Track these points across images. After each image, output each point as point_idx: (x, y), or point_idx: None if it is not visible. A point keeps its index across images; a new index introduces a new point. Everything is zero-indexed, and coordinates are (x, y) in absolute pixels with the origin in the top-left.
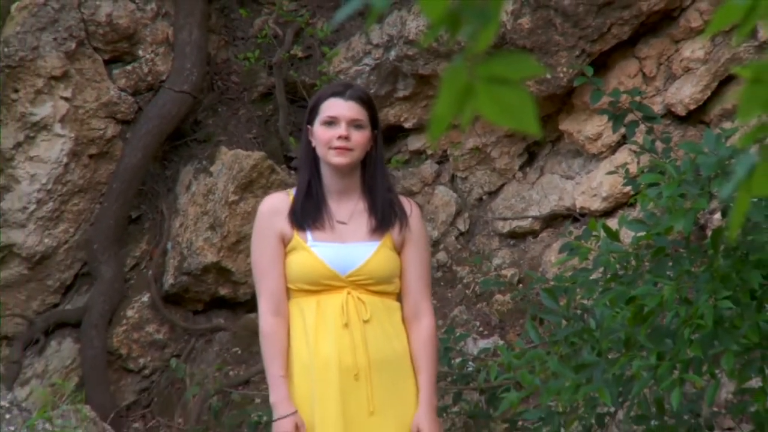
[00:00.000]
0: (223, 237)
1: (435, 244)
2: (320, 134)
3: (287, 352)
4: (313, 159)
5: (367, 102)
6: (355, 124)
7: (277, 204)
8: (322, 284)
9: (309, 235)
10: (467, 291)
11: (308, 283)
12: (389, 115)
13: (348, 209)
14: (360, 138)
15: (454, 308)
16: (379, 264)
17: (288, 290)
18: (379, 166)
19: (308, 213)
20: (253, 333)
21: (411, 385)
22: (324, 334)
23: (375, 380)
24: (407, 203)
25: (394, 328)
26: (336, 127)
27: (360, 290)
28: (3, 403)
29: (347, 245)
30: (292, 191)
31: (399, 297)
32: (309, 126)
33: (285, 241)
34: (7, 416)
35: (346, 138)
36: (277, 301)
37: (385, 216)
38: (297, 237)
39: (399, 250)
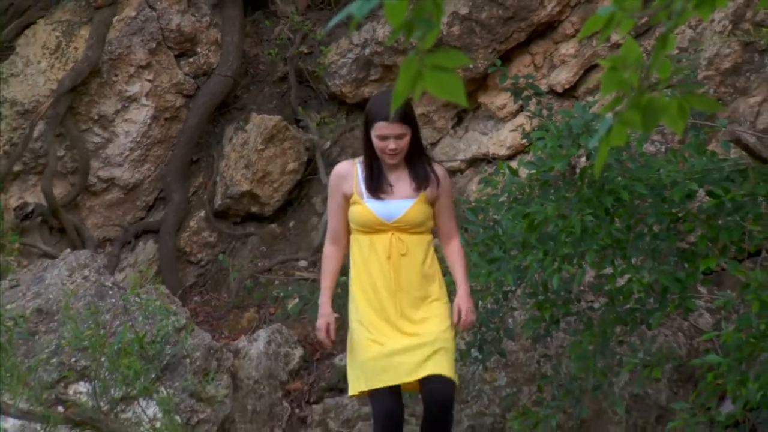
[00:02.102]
0: (253, 173)
1: None
2: (376, 143)
3: (338, 271)
4: (371, 147)
5: (405, 117)
6: (399, 136)
7: (343, 171)
8: (373, 228)
9: (365, 193)
10: None
11: (363, 227)
12: (365, 92)
13: (395, 176)
14: (403, 143)
15: None
16: (415, 214)
17: (349, 229)
18: (417, 147)
19: (369, 180)
20: (273, 237)
21: (435, 287)
22: (374, 263)
23: (404, 296)
24: (439, 169)
25: (425, 254)
26: (387, 141)
27: (401, 232)
28: (107, 283)
29: (393, 202)
30: (357, 161)
31: (432, 231)
32: (367, 128)
33: (347, 197)
34: (110, 292)
35: (394, 148)
36: (336, 235)
37: (420, 181)
38: (356, 195)
39: (433, 202)
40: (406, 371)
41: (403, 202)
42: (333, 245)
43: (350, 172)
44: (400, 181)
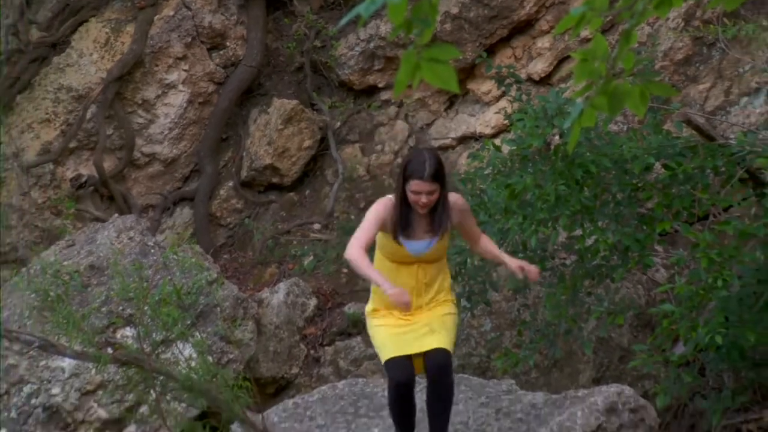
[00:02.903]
0: (274, 149)
1: (396, 153)
2: (410, 195)
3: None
4: (404, 196)
5: (436, 175)
6: (430, 192)
7: (390, 207)
8: (402, 260)
9: (401, 233)
10: None
11: (393, 258)
12: (370, 80)
13: (422, 220)
14: (433, 198)
15: None
16: (436, 251)
17: (373, 243)
18: (443, 201)
19: (401, 224)
20: (291, 204)
21: (447, 303)
22: (398, 282)
23: (424, 318)
24: (457, 200)
25: (441, 273)
26: (419, 196)
27: (425, 263)
28: (149, 243)
29: (420, 242)
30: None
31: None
32: (403, 182)
33: (384, 228)
34: (152, 251)
35: (426, 202)
36: (365, 244)
37: (441, 225)
38: (391, 232)
39: (457, 225)
40: (416, 345)
41: (427, 242)
42: (362, 249)
43: (391, 210)
44: (425, 224)
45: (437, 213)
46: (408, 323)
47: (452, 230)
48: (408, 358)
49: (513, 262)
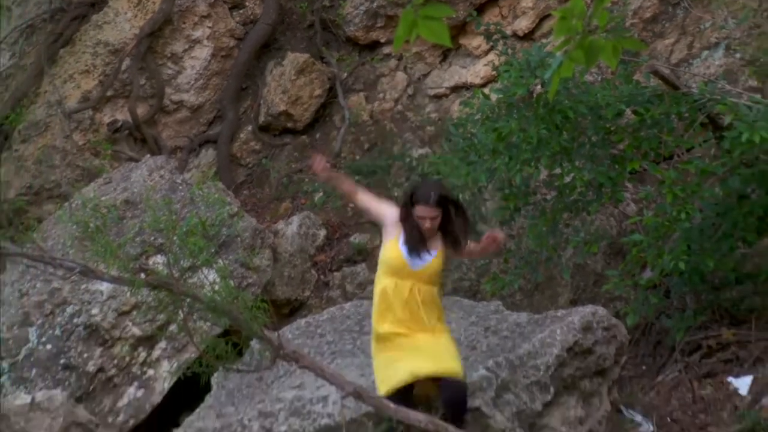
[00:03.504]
0: (288, 97)
1: (396, 100)
2: (416, 219)
3: (350, 184)
4: (411, 216)
5: (440, 202)
6: (433, 218)
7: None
8: (399, 273)
9: (404, 248)
10: (412, 124)
11: (390, 268)
12: (373, 35)
13: (430, 237)
14: (436, 223)
15: (405, 132)
16: (433, 267)
17: (365, 196)
18: (448, 223)
19: (409, 241)
20: (304, 146)
21: (441, 323)
22: (397, 304)
23: (411, 324)
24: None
25: (433, 303)
26: (423, 220)
27: (421, 283)
28: (178, 181)
29: (421, 257)
30: None
31: (440, 284)
32: (411, 205)
33: (390, 232)
34: (180, 187)
35: (429, 227)
36: (364, 192)
37: (445, 244)
38: (395, 239)
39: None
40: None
41: (427, 257)
42: (359, 188)
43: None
44: (430, 240)
45: (445, 233)
46: (411, 343)
47: (445, 255)
48: (405, 391)
49: (490, 234)
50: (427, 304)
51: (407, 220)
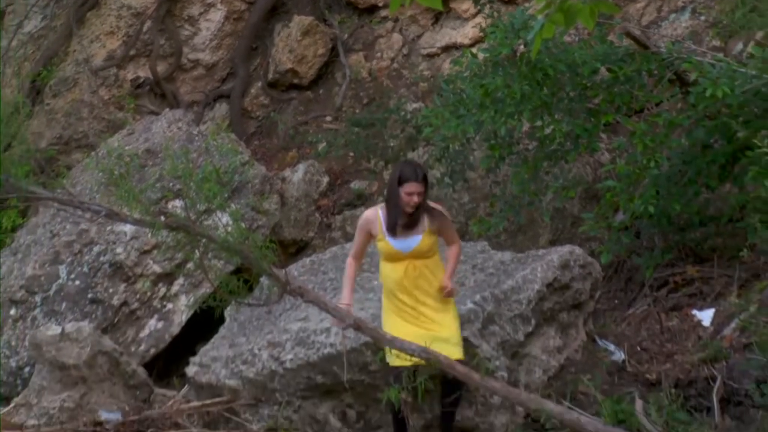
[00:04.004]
0: (294, 56)
1: (392, 59)
2: (403, 196)
3: (355, 277)
4: (398, 197)
5: (425, 178)
6: (420, 194)
7: (371, 217)
8: (395, 258)
9: (387, 233)
10: (406, 81)
11: (387, 257)
12: (370, 0)
13: (408, 220)
14: (421, 198)
15: (401, 88)
16: (423, 246)
17: (365, 252)
18: (425, 201)
19: (390, 224)
20: (308, 100)
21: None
22: (397, 283)
23: (414, 302)
24: (440, 207)
25: (432, 272)
26: (412, 196)
27: (415, 259)
28: (194, 132)
29: (407, 239)
30: (379, 208)
31: (438, 251)
32: (398, 184)
33: (373, 235)
34: (196, 138)
35: (417, 201)
36: (357, 254)
37: (423, 223)
38: (381, 234)
39: (438, 232)
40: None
41: (414, 238)
42: (354, 259)
43: (375, 217)
44: (408, 225)
45: (418, 212)
46: (415, 317)
47: (434, 233)
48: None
49: (444, 280)
50: (426, 276)
51: (391, 200)
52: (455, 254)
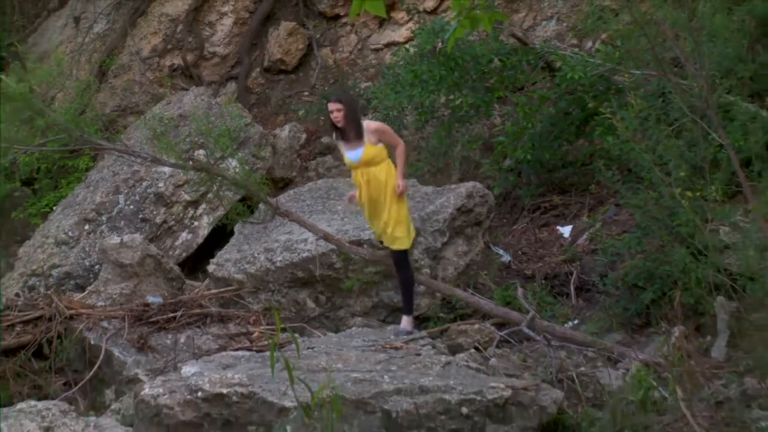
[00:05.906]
0: (282, 49)
1: (351, 52)
2: (329, 114)
3: None
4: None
5: (340, 99)
6: (337, 110)
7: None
8: (352, 166)
9: (344, 147)
10: (360, 68)
11: (349, 166)
12: (336, 11)
13: (351, 135)
14: (341, 115)
15: (356, 73)
16: (367, 156)
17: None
18: (354, 120)
19: (336, 137)
20: (292, 81)
21: (391, 186)
22: (358, 185)
23: (372, 201)
24: (370, 123)
25: (383, 173)
26: (332, 113)
27: (365, 167)
28: (213, 102)
29: (354, 151)
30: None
31: (387, 156)
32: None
33: (341, 151)
34: (214, 107)
35: (335, 116)
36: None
37: (361, 137)
38: (342, 149)
39: (379, 141)
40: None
41: (359, 150)
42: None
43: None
44: (355, 139)
45: (356, 131)
46: (377, 215)
47: (378, 143)
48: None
49: (397, 182)
50: (377, 180)
51: (328, 119)
52: (400, 153)
